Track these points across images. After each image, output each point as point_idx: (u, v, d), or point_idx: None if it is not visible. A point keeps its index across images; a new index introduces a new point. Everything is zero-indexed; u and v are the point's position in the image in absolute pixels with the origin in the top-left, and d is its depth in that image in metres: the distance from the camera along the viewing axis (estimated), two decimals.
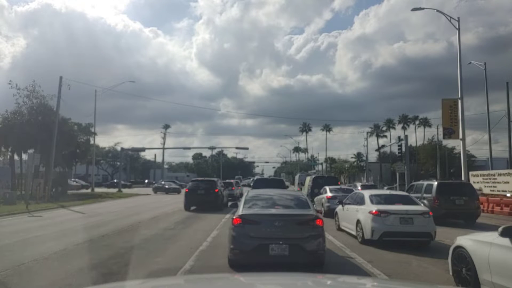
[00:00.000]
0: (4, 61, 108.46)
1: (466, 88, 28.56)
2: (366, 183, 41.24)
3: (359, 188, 26.17)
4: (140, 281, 4.58)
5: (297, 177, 44.46)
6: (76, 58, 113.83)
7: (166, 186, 46.27)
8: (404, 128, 72.89)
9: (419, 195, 15.37)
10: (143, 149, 68.10)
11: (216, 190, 21.18)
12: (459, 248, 6.01)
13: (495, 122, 37.37)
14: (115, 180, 63.11)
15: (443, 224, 13.70)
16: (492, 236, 5.34)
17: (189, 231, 12.77)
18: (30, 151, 28.01)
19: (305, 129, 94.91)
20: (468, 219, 15.12)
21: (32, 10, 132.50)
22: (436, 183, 16.32)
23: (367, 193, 11.57)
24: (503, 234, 5.05)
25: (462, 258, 5.86)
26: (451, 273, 6.22)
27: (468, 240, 5.92)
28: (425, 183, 17.52)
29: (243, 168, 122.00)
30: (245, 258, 6.96)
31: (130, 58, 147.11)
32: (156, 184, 49.20)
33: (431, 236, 9.93)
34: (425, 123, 72.91)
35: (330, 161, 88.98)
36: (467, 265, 5.68)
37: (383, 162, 68.90)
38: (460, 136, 24.84)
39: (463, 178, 24.14)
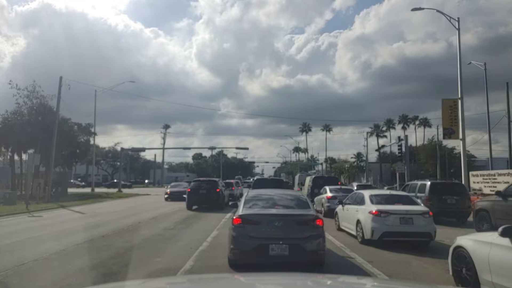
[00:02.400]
0: (4, 61, 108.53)
1: (466, 88, 28.58)
2: (362, 183, 41.56)
3: (355, 187, 26.26)
4: (140, 281, 4.58)
5: (297, 177, 44.40)
6: (76, 58, 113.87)
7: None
8: (404, 128, 72.97)
9: (413, 194, 15.51)
10: (143, 149, 68.10)
11: (218, 190, 21.46)
12: (459, 248, 6.01)
13: (495, 122, 37.37)
14: (115, 180, 62.99)
15: (441, 223, 13.77)
16: (492, 236, 5.34)
17: (189, 231, 12.77)
18: (30, 151, 28.04)
19: (305, 129, 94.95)
20: (460, 218, 15.44)
21: (32, 9, 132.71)
22: (429, 182, 16.62)
23: (367, 193, 11.55)
24: (503, 234, 5.04)
25: (462, 258, 5.85)
26: (451, 273, 6.22)
27: (468, 240, 5.91)
28: (419, 183, 17.80)
29: (243, 168, 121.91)
30: (245, 258, 6.95)
31: (130, 58, 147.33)
32: (171, 188, 31.68)
33: (431, 236, 9.92)
34: (425, 123, 72.98)
35: (330, 161, 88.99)
36: (467, 265, 5.68)
37: (383, 162, 68.91)
38: (460, 136, 24.84)
39: (463, 178, 24.13)
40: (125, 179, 66.26)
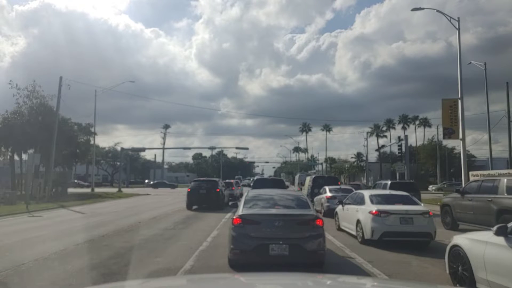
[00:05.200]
0: (4, 61, 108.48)
1: (466, 88, 28.53)
2: (350, 183, 42.91)
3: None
4: (140, 281, 4.59)
5: (297, 177, 44.48)
6: (77, 58, 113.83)
7: None
8: (404, 128, 73.07)
9: None
10: (143, 149, 68.15)
11: (218, 190, 21.45)
12: (455, 247, 6.05)
13: (495, 122, 37.38)
14: (131, 180, 62.78)
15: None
16: (488, 235, 5.41)
17: (189, 231, 12.78)
18: (30, 151, 28.05)
19: (305, 129, 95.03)
20: None
21: (33, 9, 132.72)
22: (389, 182, 20.64)
23: (367, 193, 11.57)
24: (498, 233, 5.13)
25: (458, 256, 5.91)
26: (447, 271, 6.26)
27: (464, 239, 5.97)
28: (383, 182, 22.11)
29: (243, 168, 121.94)
30: (245, 258, 6.96)
31: (130, 58, 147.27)
32: None
33: (431, 236, 9.94)
34: (425, 123, 73.08)
35: (330, 161, 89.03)
36: (463, 263, 5.73)
37: (383, 162, 68.91)
38: (460, 136, 24.81)
39: (463, 178, 24.16)
40: (125, 179, 66.19)
